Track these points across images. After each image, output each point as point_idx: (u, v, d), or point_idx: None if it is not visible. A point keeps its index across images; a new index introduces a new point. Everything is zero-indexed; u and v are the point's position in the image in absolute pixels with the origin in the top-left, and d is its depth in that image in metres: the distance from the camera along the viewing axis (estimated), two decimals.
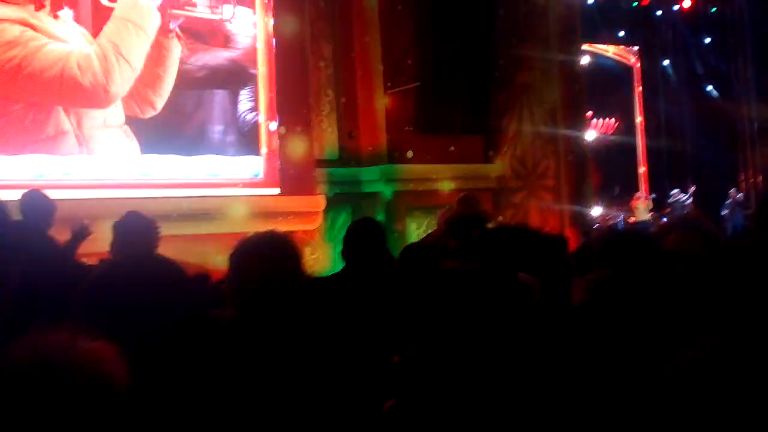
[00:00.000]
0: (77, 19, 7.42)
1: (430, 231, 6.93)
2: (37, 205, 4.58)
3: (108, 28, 7.47)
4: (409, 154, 9.14)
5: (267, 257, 2.09)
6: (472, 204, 5.51)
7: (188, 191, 7.79)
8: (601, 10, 12.51)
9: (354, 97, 9.16)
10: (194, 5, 8.02)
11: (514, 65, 9.89)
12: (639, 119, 14.59)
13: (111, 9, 7.52)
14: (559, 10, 10.08)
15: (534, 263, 2.74)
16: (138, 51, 7.60)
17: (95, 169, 7.46)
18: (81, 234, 4.63)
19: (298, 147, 8.44)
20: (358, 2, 9.23)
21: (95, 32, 7.44)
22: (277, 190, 8.33)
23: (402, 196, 9.08)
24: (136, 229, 3.73)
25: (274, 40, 8.40)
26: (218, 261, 7.43)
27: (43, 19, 7.21)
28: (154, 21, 7.70)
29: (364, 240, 3.57)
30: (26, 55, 7.07)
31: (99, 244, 5.06)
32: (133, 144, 7.65)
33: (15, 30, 7.05)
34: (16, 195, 6.64)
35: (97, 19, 7.51)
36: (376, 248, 3.56)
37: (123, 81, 7.52)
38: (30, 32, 7.12)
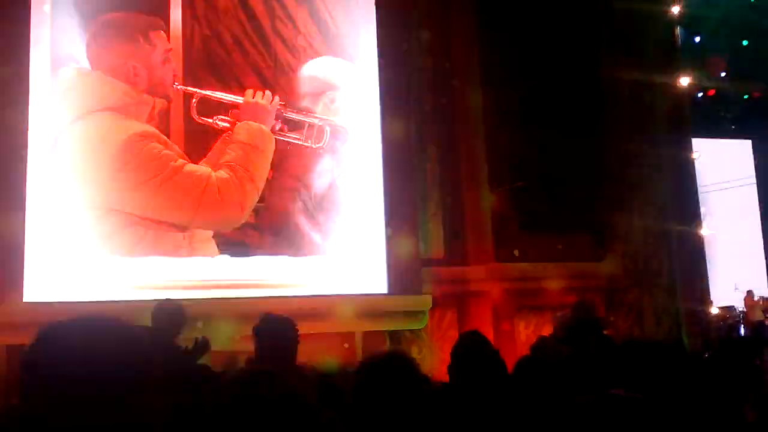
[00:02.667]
0: None
1: (539, 333, 6.80)
2: (170, 315, 4.76)
3: (236, 153, 7.77)
4: (516, 252, 9.07)
5: (390, 382, 2.16)
6: (588, 309, 5.39)
7: (296, 290, 7.95)
8: (712, 103, 12.31)
9: (460, 196, 9.23)
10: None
11: (622, 162, 9.76)
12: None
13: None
14: (668, 105, 9.96)
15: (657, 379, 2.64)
16: (263, 174, 7.91)
17: (205, 270, 7.74)
18: (201, 349, 4.77)
19: (404, 247, 8.51)
20: (462, 104, 9.41)
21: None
22: (384, 290, 8.38)
23: (509, 294, 8.97)
24: (279, 333, 3.80)
25: (381, 142, 8.64)
26: (327, 360, 7.51)
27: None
28: (273, 144, 8.00)
29: (471, 358, 3.52)
30: (167, 173, 7.47)
31: (215, 343, 5.22)
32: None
33: (154, 147, 7.48)
34: (130, 295, 7.04)
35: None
36: (484, 366, 3.50)
37: (252, 204, 7.85)
38: (166, 151, 7.54)
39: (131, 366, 1.30)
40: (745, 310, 11.37)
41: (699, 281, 9.80)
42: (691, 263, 9.70)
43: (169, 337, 4.64)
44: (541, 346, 5.34)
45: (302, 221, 8.20)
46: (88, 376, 1.23)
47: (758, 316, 11.08)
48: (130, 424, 1.26)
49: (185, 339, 4.94)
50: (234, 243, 7.85)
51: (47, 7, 7.58)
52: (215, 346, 5.20)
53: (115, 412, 1.24)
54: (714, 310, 10.31)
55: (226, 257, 7.80)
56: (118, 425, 1.25)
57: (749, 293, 11.83)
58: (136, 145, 7.39)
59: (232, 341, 6.95)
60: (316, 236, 8.22)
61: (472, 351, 3.60)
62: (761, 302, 11.52)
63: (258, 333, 3.86)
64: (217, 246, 7.78)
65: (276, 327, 3.86)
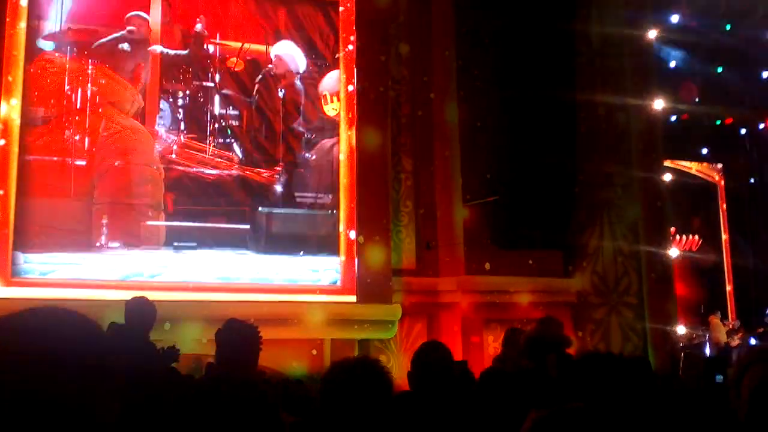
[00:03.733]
0: None
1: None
2: (142, 311, 4.75)
3: None
4: (487, 266, 9.13)
5: (361, 389, 2.18)
6: (552, 325, 5.44)
7: (267, 296, 7.94)
8: (684, 127, 12.49)
9: (433, 208, 9.28)
10: None
11: (594, 181, 9.88)
12: (724, 237, 14.26)
13: None
14: (641, 128, 10.09)
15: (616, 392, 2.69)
16: None
17: (181, 272, 7.73)
18: (171, 357, 4.76)
19: (376, 256, 8.54)
20: (439, 117, 9.48)
21: None
22: (354, 298, 8.40)
23: (479, 307, 9.01)
24: (240, 340, 3.77)
25: (356, 152, 8.68)
26: (294, 366, 7.47)
27: None
28: None
29: (430, 366, 3.55)
30: None
31: (182, 346, 5.20)
32: None
33: None
34: (103, 295, 7.00)
35: None
36: (443, 375, 3.52)
37: None
38: None
39: (85, 357, 1.28)
40: (710, 331, 11.50)
41: (667, 300, 9.91)
42: (659, 282, 9.81)
43: (141, 333, 4.62)
44: (502, 358, 5.37)
45: None
46: (39, 365, 1.21)
47: (722, 337, 11.22)
48: (76, 418, 1.23)
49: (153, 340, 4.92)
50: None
51: (23, 1, 7.59)
52: (182, 348, 5.19)
53: (63, 402, 1.22)
54: (680, 330, 10.42)
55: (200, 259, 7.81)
56: (62, 415, 1.22)
57: (714, 314, 11.98)
58: None
59: (198, 344, 6.93)
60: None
61: (430, 360, 3.62)
62: (726, 324, 11.67)
63: (218, 338, 3.83)
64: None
65: (236, 332, 3.83)
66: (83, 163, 7.74)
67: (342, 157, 8.71)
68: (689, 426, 3.32)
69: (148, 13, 8.23)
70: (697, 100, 13.00)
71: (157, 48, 8.19)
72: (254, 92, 8.54)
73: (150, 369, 4.29)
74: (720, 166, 14.30)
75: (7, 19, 7.49)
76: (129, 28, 7.96)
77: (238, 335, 3.84)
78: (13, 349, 1.23)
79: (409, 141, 9.42)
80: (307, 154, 8.77)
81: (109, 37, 7.89)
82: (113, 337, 4.42)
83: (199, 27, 8.34)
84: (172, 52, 8.26)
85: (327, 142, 8.88)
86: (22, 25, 7.56)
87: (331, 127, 8.87)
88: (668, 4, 11.31)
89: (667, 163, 11.42)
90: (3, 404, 1.17)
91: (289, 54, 8.66)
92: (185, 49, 8.34)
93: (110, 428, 1.26)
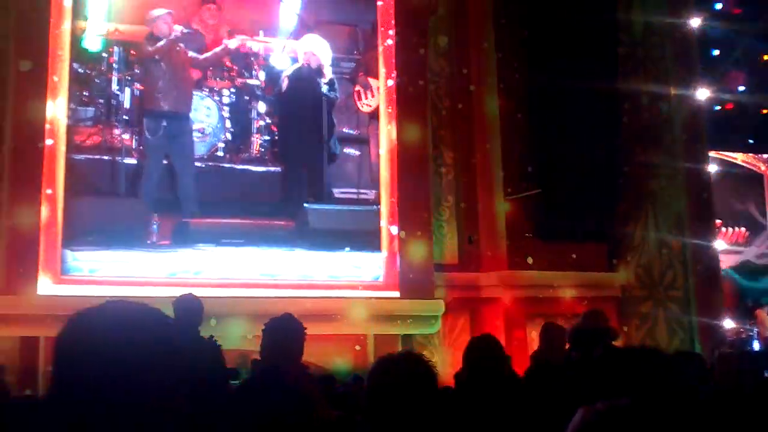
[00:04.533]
0: None
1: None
2: (190, 308, 4.79)
3: None
4: (529, 260, 9.05)
5: (406, 383, 2.17)
6: (598, 318, 5.37)
7: (310, 292, 7.96)
8: (729, 117, 12.23)
9: (474, 202, 9.22)
10: None
11: (638, 172, 9.72)
12: None
13: None
14: (685, 118, 9.92)
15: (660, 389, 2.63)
16: None
17: (225, 269, 7.79)
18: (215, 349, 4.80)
19: (418, 251, 8.51)
20: (479, 110, 9.41)
21: None
22: (396, 294, 8.38)
23: (522, 302, 8.94)
24: (285, 335, 3.80)
25: (397, 146, 8.65)
26: (337, 361, 7.51)
27: None
28: None
29: (483, 360, 3.51)
30: None
31: (228, 342, 5.25)
32: None
33: None
34: (150, 292, 7.07)
35: None
36: (496, 370, 3.49)
37: None
38: None
39: (164, 351, 1.27)
40: (758, 325, 11.23)
41: (713, 293, 9.73)
42: (705, 275, 9.63)
43: (195, 328, 4.67)
44: (542, 352, 5.31)
45: None
46: (124, 359, 1.21)
47: None
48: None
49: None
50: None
51: (68, 2, 7.69)
52: (227, 344, 5.23)
53: (152, 399, 1.21)
54: (728, 324, 10.21)
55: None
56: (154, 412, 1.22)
57: (762, 308, 11.70)
58: None
59: (243, 340, 6.98)
60: None
61: (484, 353, 3.59)
62: None
63: (264, 332, 3.88)
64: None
65: (281, 326, 3.86)
66: (133, 161, 7.85)
67: (382, 151, 8.69)
68: (742, 423, 3.25)
69: (201, 12, 8.35)
70: (742, 88, 12.73)
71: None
72: (293, 89, 8.54)
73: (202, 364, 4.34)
74: (767, 156, 13.99)
75: (51, 20, 7.58)
76: (177, 30, 8.00)
77: (282, 331, 3.87)
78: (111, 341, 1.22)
79: (449, 134, 9.37)
80: (347, 150, 8.77)
81: (160, 44, 7.94)
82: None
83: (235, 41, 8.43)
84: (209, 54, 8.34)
85: (366, 138, 8.88)
86: (67, 25, 7.65)
87: (366, 123, 8.87)
88: None
89: (711, 154, 11.20)
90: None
91: (318, 47, 8.64)
92: (228, 51, 8.42)
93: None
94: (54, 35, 7.57)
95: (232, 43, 8.34)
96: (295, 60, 8.59)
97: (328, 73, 8.63)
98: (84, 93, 7.82)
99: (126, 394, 1.19)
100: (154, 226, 7.75)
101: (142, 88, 7.97)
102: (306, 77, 8.50)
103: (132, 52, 7.96)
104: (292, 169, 8.53)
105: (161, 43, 7.90)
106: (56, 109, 7.49)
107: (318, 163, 8.44)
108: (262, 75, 8.58)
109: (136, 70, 7.96)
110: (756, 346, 10.04)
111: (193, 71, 8.28)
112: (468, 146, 9.34)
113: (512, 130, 9.33)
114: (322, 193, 8.47)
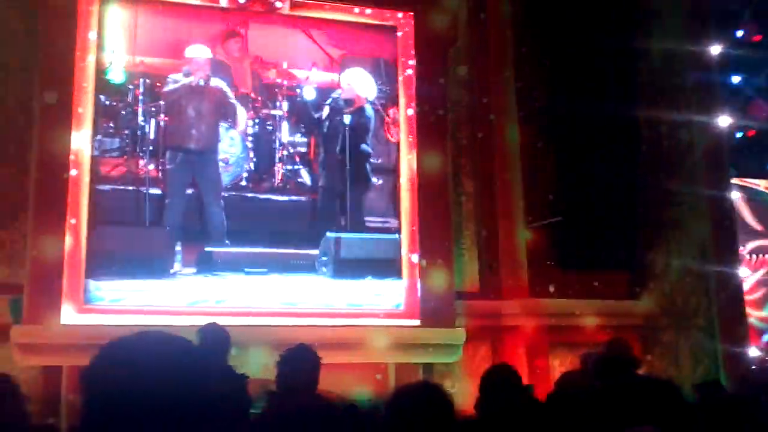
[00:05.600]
0: None
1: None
2: (216, 337, 4.82)
3: None
4: (551, 288, 9.01)
5: (423, 413, 2.18)
6: (622, 347, 5.34)
7: (331, 320, 7.97)
8: (751, 143, 12.16)
9: (495, 230, 9.21)
10: None
11: (659, 200, 9.68)
12: None
13: None
14: (706, 144, 9.88)
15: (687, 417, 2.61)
16: None
17: (246, 297, 7.82)
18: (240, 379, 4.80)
19: (438, 279, 8.50)
20: (499, 138, 9.44)
21: None
22: (417, 322, 8.36)
23: (544, 330, 8.88)
24: (299, 365, 3.81)
25: (417, 175, 8.68)
26: (358, 391, 7.47)
27: None
28: None
29: (499, 390, 3.51)
30: None
31: (247, 370, 5.25)
32: None
33: None
34: (172, 321, 7.11)
35: None
36: (512, 398, 3.48)
37: None
38: None
39: (194, 382, 1.29)
40: None
41: (738, 322, 9.61)
42: (729, 303, 9.53)
43: (222, 356, 4.69)
44: (567, 380, 5.28)
45: None
46: (152, 391, 1.22)
47: None
48: None
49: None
50: None
51: (92, 35, 7.83)
52: (248, 373, 5.24)
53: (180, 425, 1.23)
54: (754, 352, 10.07)
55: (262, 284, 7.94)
56: None
57: None
58: None
59: (264, 369, 6.97)
60: None
61: (500, 383, 3.59)
62: None
63: (278, 363, 3.90)
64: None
65: (295, 357, 3.89)
66: (158, 191, 7.94)
67: (403, 180, 8.73)
68: None
69: (226, 44, 8.49)
70: (766, 116, 12.66)
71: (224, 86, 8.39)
72: (322, 118, 8.65)
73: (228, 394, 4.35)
74: None
75: (77, 53, 7.72)
76: (197, 73, 8.13)
77: (296, 362, 3.89)
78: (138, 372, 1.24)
79: (470, 163, 9.40)
80: (373, 179, 8.82)
81: (178, 85, 8.08)
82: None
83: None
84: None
85: (392, 167, 8.93)
86: (91, 58, 7.79)
87: (395, 151, 8.93)
88: (732, 18, 11.09)
89: (734, 181, 11.12)
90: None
91: (357, 80, 8.76)
92: (254, 83, 8.55)
93: None
94: (79, 68, 7.71)
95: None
96: (319, 90, 8.70)
97: (360, 103, 8.72)
98: (110, 124, 7.93)
99: (152, 425, 1.20)
100: (178, 255, 7.81)
101: (167, 119, 8.06)
102: (338, 108, 8.64)
103: (157, 84, 8.08)
104: (324, 198, 8.60)
105: (179, 84, 8.04)
106: (81, 140, 7.60)
107: (353, 192, 8.52)
108: (285, 106, 8.67)
109: (162, 102, 8.05)
110: None
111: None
112: (488, 175, 9.35)
113: (533, 158, 9.34)
114: (357, 223, 8.51)
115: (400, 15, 9.08)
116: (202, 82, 8.09)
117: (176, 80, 8.07)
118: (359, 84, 8.76)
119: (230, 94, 8.36)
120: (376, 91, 8.87)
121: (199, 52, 8.24)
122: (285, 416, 2.31)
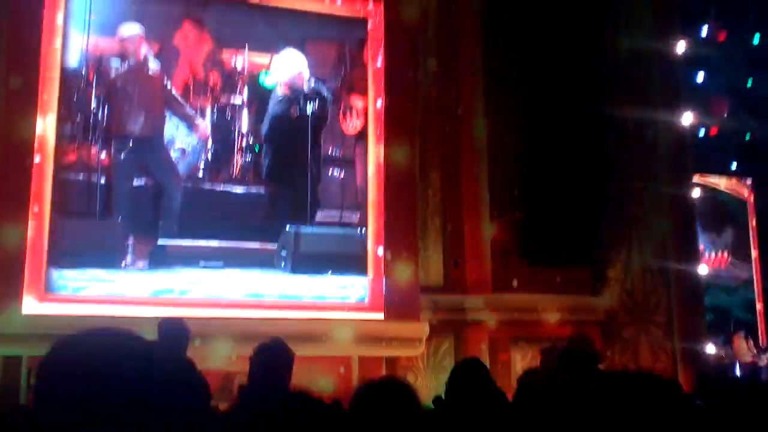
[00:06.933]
0: None
1: (535, 365, 6.80)
2: (175, 332, 4.78)
3: None
4: (515, 283, 9.09)
5: (388, 408, 2.17)
6: (584, 342, 5.42)
7: (295, 313, 7.95)
8: (712, 142, 12.36)
9: (460, 225, 9.24)
10: None
11: (622, 197, 9.81)
12: (754, 254, 14.04)
13: None
14: (669, 142, 10.03)
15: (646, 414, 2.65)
16: None
17: (210, 289, 7.77)
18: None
19: (403, 273, 8.52)
20: (466, 133, 9.46)
21: None
22: (381, 315, 8.38)
23: (506, 325, 8.96)
24: (274, 361, 3.79)
25: (384, 168, 8.68)
26: (322, 384, 7.49)
27: None
28: None
29: (468, 385, 3.54)
30: None
31: (211, 362, 5.24)
32: None
33: None
34: (135, 312, 7.05)
35: None
36: (482, 394, 3.52)
37: None
38: None
39: (147, 378, 1.31)
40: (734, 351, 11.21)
41: (696, 319, 9.80)
42: (688, 300, 9.71)
43: (180, 351, 4.66)
44: (530, 376, 5.34)
45: None
46: (103, 389, 1.24)
47: (746, 357, 10.94)
48: None
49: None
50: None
51: (59, 18, 7.66)
52: (212, 365, 5.23)
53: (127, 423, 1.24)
54: (710, 349, 10.27)
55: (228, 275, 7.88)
56: None
57: (737, 334, 11.70)
58: None
59: (227, 361, 6.96)
60: None
61: (469, 377, 3.63)
62: (747, 343, 11.35)
63: (252, 358, 3.88)
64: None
65: (269, 352, 3.88)
66: (109, 181, 7.77)
67: (369, 173, 8.71)
68: None
69: (183, 29, 8.31)
70: (726, 114, 12.87)
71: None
72: (277, 107, 8.54)
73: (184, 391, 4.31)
74: (749, 181, 14.11)
75: (43, 37, 7.56)
76: (131, 53, 7.91)
77: (271, 357, 3.88)
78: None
79: (436, 157, 9.41)
80: (331, 172, 8.78)
81: (117, 68, 7.90)
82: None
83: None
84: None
85: (351, 159, 8.89)
86: (58, 43, 7.64)
87: (351, 144, 8.88)
88: (697, 16, 11.23)
89: (695, 179, 11.30)
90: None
91: (298, 64, 8.63)
92: (213, 70, 8.40)
93: None
94: (46, 53, 7.54)
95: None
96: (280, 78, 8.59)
97: (322, 91, 8.63)
98: (64, 109, 7.69)
99: (104, 424, 1.22)
100: (129, 249, 7.65)
101: (111, 105, 7.84)
102: (294, 96, 8.50)
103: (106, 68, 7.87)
104: (279, 190, 8.51)
105: (117, 67, 7.84)
106: (46, 126, 7.46)
107: (306, 185, 8.41)
108: (245, 92, 8.51)
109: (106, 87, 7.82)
110: (737, 371, 10.09)
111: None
112: (455, 169, 9.37)
113: (499, 153, 9.39)
114: (311, 216, 8.43)
115: (370, 7, 9.03)
116: (133, 62, 7.82)
117: (116, 65, 7.86)
118: (304, 68, 8.61)
119: (170, 85, 8.16)
120: (308, 74, 8.69)
121: (130, 30, 7.93)
122: (258, 411, 2.30)
